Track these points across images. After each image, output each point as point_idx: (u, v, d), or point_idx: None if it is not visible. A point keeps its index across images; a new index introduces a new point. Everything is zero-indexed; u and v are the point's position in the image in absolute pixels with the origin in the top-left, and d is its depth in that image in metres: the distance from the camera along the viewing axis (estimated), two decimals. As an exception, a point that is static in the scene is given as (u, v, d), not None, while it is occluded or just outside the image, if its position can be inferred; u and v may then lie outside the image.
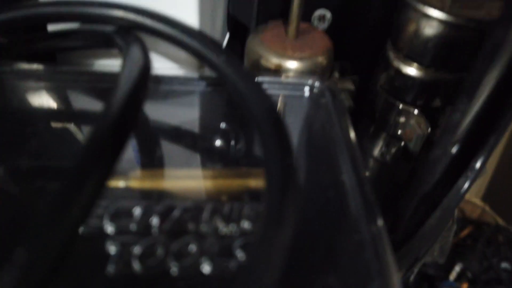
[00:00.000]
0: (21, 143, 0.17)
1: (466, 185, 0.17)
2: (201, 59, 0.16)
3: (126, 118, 0.12)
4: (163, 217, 0.13)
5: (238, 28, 0.26)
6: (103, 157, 0.11)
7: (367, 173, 0.20)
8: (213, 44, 0.15)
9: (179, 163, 0.17)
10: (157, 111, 0.18)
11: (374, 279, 0.12)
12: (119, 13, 0.16)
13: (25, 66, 0.18)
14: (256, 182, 0.15)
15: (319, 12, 0.23)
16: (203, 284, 0.12)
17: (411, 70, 0.21)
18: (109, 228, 0.13)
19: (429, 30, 0.19)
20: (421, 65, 0.20)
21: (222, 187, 0.15)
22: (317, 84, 0.19)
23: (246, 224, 0.14)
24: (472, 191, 1.00)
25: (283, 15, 0.23)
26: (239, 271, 0.12)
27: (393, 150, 0.23)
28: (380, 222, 0.14)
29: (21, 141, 0.17)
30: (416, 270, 0.21)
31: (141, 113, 0.16)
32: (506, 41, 0.15)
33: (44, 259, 0.09)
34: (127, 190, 0.15)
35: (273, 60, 0.20)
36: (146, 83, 0.14)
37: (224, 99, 0.19)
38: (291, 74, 0.21)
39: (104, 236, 0.13)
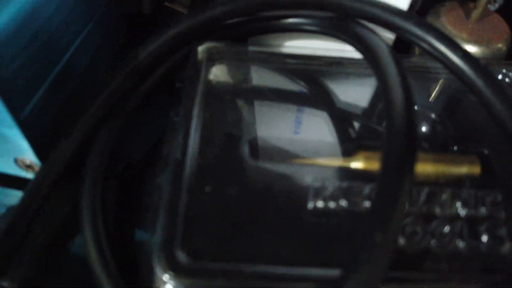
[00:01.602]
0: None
1: None
2: (434, 56, 0.17)
3: (413, 111, 0.14)
4: (413, 199, 0.15)
5: None
6: (413, 149, 0.13)
7: None
8: (449, 40, 0.16)
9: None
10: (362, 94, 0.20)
11: None
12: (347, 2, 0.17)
13: (236, 47, 0.20)
14: (473, 168, 0.17)
15: (492, -7, 0.23)
16: (459, 259, 0.14)
17: None
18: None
19: None
20: None
21: (444, 172, 0.17)
22: (509, 72, 0.20)
23: (483, 209, 0.15)
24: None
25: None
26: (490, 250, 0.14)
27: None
28: None
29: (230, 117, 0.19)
30: None
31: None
32: None
33: (393, 240, 0.11)
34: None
35: (459, 45, 0.21)
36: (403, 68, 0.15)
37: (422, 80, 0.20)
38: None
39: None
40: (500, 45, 0.21)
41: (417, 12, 0.25)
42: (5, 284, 0.15)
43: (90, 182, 0.16)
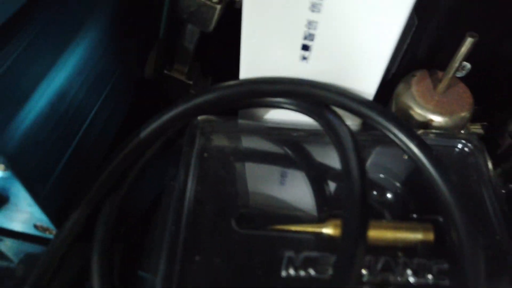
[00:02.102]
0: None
1: None
2: (393, 138, 0.19)
3: (366, 187, 0.16)
4: (369, 268, 0.18)
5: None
6: (365, 224, 0.15)
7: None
8: (407, 128, 0.19)
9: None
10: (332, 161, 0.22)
11: None
12: (321, 92, 0.20)
13: (227, 120, 0.23)
14: (427, 235, 0.20)
15: (459, 62, 0.26)
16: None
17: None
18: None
19: None
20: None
21: (400, 239, 0.20)
22: (466, 143, 0.23)
23: (430, 277, 0.18)
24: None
25: (427, 64, 0.26)
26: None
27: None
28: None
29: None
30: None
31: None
32: None
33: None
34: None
35: (425, 115, 0.24)
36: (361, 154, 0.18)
37: (390, 155, 0.23)
38: (437, 128, 0.24)
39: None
40: (463, 114, 0.24)
41: (392, 76, 0.27)
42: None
43: (98, 251, 0.19)
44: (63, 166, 0.20)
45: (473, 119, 0.27)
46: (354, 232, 0.16)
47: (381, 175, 0.22)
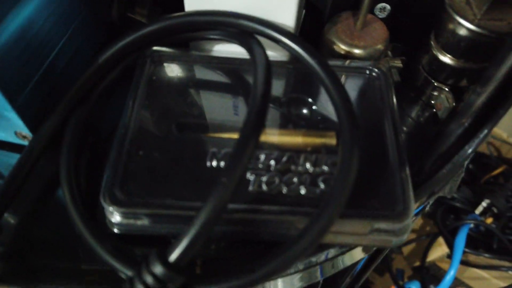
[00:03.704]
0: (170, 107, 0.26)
1: (470, 149, 0.25)
2: (298, 58, 0.24)
3: (267, 98, 0.21)
4: (277, 160, 0.23)
5: (313, 9, 0.33)
6: (259, 125, 0.20)
7: (403, 134, 0.28)
8: (309, 49, 0.23)
9: (280, 125, 0.26)
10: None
11: (399, 203, 0.21)
12: (245, 22, 0.24)
13: (174, 50, 0.27)
14: (330, 140, 0.24)
15: (380, 5, 0.30)
16: (301, 200, 0.22)
17: (446, 59, 0.28)
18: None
19: (462, 34, 0.26)
20: (454, 56, 0.27)
21: (308, 142, 0.24)
22: (374, 69, 0.27)
23: (325, 167, 0.23)
24: (509, 132, 1.03)
25: (352, 6, 0.30)
26: (323, 194, 0.22)
27: (426, 114, 0.30)
28: (407, 171, 0.22)
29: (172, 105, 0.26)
30: (431, 201, 0.30)
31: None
32: None
33: (234, 182, 0.19)
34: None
35: (344, 48, 0.28)
36: (271, 73, 0.22)
37: (308, 79, 0.27)
38: (356, 58, 0.28)
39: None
40: (378, 47, 0.28)
41: (327, 17, 0.31)
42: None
43: (65, 151, 0.24)
44: (36, 81, 0.24)
45: (395, 55, 0.32)
46: (247, 132, 0.20)
47: (302, 96, 0.26)
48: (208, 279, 0.19)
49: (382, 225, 0.21)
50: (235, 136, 0.24)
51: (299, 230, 0.20)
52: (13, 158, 0.27)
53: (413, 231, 0.90)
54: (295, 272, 0.24)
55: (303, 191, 0.22)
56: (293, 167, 0.23)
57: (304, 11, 0.34)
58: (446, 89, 0.29)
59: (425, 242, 0.84)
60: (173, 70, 0.27)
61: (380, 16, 0.31)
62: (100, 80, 0.26)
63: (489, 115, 0.26)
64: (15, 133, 0.25)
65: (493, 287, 0.78)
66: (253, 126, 0.20)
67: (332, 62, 0.27)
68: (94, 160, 0.26)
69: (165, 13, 0.28)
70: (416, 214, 0.27)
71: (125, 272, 0.20)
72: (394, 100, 0.26)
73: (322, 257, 0.24)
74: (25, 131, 0.25)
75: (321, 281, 0.40)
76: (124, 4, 0.30)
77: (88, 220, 0.22)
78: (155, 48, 0.27)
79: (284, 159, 0.23)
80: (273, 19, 0.26)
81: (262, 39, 0.25)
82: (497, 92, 0.25)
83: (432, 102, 0.30)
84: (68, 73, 0.27)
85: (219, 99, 0.27)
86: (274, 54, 0.28)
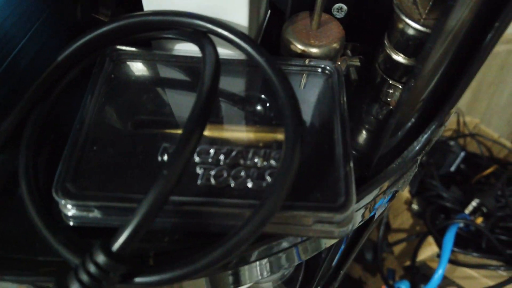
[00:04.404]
0: (134, 104, 0.27)
1: (419, 146, 0.26)
2: (248, 56, 0.25)
3: (213, 94, 0.22)
4: (226, 154, 0.24)
5: (277, 9, 0.34)
6: (203, 120, 0.21)
7: (349, 129, 0.28)
8: (258, 47, 0.24)
9: (233, 121, 0.26)
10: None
11: (341, 195, 0.22)
12: (198, 22, 0.25)
13: (133, 49, 0.28)
14: (281, 136, 0.25)
15: (337, 5, 0.31)
16: (247, 193, 0.23)
17: (398, 58, 0.29)
18: (197, 159, 0.23)
19: (410, 33, 0.27)
20: (405, 55, 0.28)
21: (259, 138, 0.25)
22: (328, 66, 0.28)
23: (273, 162, 0.24)
24: (500, 132, 1.04)
25: (311, 7, 0.31)
26: (268, 187, 0.23)
27: (384, 112, 0.31)
28: (351, 164, 0.23)
29: (135, 102, 0.27)
30: (389, 196, 0.31)
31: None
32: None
33: (175, 175, 0.20)
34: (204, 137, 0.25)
35: (300, 47, 0.29)
36: (219, 70, 0.23)
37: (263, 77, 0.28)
38: (313, 57, 0.29)
39: (194, 164, 0.23)
40: (333, 45, 0.29)
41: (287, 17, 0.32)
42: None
43: (24, 146, 0.24)
44: (-5, 79, 0.25)
45: (354, 54, 0.32)
46: (191, 123, 0.21)
47: (256, 93, 0.27)
48: (151, 268, 0.20)
49: (324, 216, 0.22)
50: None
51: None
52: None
53: (403, 230, 0.91)
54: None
55: (250, 184, 0.23)
56: (241, 161, 0.24)
57: (269, 11, 0.35)
58: (400, 86, 0.30)
59: (416, 241, 0.85)
60: (132, 68, 0.28)
61: (337, 16, 0.32)
62: (60, 78, 0.27)
63: (436, 111, 0.26)
64: (-24, 129, 0.26)
65: (482, 286, 0.78)
66: (196, 120, 0.21)
67: (289, 61, 0.28)
68: (54, 156, 0.27)
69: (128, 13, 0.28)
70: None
71: (73, 261, 0.21)
72: (345, 97, 0.27)
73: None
74: (-14, 128, 0.25)
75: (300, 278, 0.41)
76: (88, 5, 0.31)
77: (42, 213, 0.23)
78: (115, 46, 0.28)
79: (233, 153, 0.24)
80: (228, 19, 0.26)
81: (218, 40, 0.26)
82: (439, 88, 0.26)
83: (389, 99, 0.31)
84: (32, 71, 0.28)
85: (177, 96, 0.28)
86: (232, 53, 0.29)
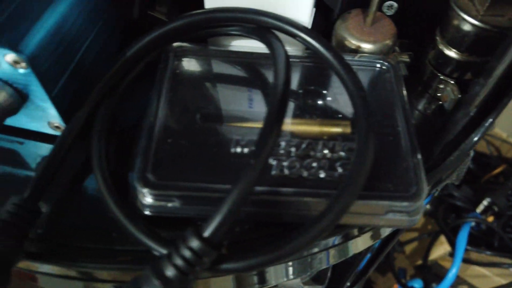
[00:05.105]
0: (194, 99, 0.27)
1: (476, 138, 0.27)
2: (314, 51, 0.25)
3: (288, 86, 0.23)
4: (297, 147, 0.24)
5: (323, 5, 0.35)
6: (282, 111, 0.22)
7: (413, 122, 0.29)
8: (325, 42, 0.25)
9: (298, 115, 0.27)
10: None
11: (413, 185, 0.23)
12: (263, 18, 0.26)
13: (195, 46, 0.29)
14: (345, 129, 0.26)
15: (388, 2, 0.32)
16: (321, 183, 0.23)
17: (451, 53, 0.30)
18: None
19: (466, 29, 0.27)
20: (458, 50, 0.29)
21: (325, 131, 0.26)
22: (384, 62, 0.29)
23: (342, 153, 0.24)
24: (509, 132, 1.04)
25: (362, 4, 0.32)
26: (341, 177, 0.23)
27: (433, 107, 0.32)
28: (419, 156, 0.24)
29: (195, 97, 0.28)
30: (440, 188, 0.32)
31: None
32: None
33: (261, 164, 0.20)
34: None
35: (354, 43, 0.30)
36: (290, 63, 0.24)
37: (321, 73, 0.29)
38: (366, 53, 0.30)
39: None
40: (386, 42, 0.30)
41: (337, 16, 0.33)
42: (42, 209, 0.24)
43: (96, 139, 0.25)
44: (69, 74, 0.26)
45: (402, 51, 0.33)
46: (271, 119, 0.22)
47: (317, 88, 0.28)
48: (239, 255, 0.21)
49: (397, 205, 0.23)
50: (255, 125, 0.26)
51: (318, 212, 0.21)
52: (41, 148, 0.28)
53: (415, 230, 0.91)
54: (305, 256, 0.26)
55: (322, 174, 0.24)
56: (312, 153, 0.24)
57: (314, 9, 0.36)
58: (452, 82, 0.31)
59: (427, 240, 0.85)
60: (194, 64, 0.29)
61: (388, 14, 0.32)
62: (126, 74, 0.28)
63: (493, 104, 0.27)
64: (48, 123, 0.27)
65: (494, 284, 0.79)
66: (277, 113, 0.22)
67: (344, 56, 0.29)
68: (121, 148, 0.28)
69: (183, 11, 0.29)
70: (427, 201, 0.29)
71: (160, 250, 0.21)
72: (404, 91, 0.27)
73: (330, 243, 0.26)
74: (58, 121, 0.26)
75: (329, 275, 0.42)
76: (145, 3, 0.32)
77: (121, 202, 0.23)
78: (178, 43, 0.29)
79: (303, 145, 0.25)
80: (289, 16, 0.27)
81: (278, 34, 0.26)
82: (500, 83, 0.27)
83: (438, 94, 0.32)
84: (95, 67, 0.29)
85: (238, 91, 0.28)
86: (288, 49, 0.29)
